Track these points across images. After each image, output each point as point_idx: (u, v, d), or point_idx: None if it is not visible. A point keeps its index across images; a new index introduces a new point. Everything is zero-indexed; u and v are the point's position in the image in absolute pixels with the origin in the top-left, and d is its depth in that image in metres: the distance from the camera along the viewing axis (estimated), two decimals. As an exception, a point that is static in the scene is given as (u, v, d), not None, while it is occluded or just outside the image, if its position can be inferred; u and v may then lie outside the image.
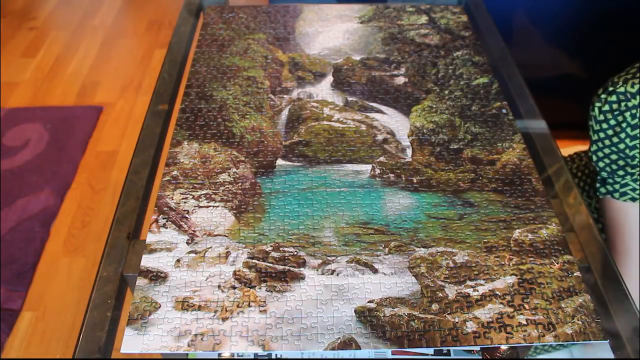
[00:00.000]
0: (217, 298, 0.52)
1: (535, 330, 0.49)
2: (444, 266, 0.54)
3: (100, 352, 0.49)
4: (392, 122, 0.72)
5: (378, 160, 0.67)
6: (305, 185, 0.64)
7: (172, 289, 0.53)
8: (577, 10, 1.43)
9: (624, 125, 0.71)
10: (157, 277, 0.54)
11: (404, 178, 0.65)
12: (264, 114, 0.73)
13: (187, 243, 0.57)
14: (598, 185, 0.78)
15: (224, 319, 0.50)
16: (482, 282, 0.53)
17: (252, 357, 0.52)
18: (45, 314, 1.35)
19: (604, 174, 0.77)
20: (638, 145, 0.71)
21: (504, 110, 0.73)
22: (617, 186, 0.76)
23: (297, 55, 0.84)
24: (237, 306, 0.51)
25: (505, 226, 0.59)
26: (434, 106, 0.74)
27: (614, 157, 0.74)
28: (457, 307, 0.51)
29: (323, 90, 0.78)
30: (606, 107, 0.72)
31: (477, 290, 0.52)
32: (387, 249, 0.56)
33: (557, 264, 0.55)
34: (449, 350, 0.52)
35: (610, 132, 0.73)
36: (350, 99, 0.76)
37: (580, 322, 0.50)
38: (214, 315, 0.50)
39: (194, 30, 0.90)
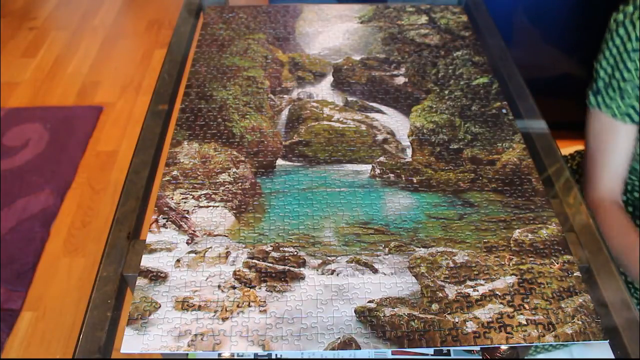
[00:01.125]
0: (217, 298, 0.52)
1: (535, 330, 0.49)
2: (444, 266, 0.54)
3: (100, 352, 0.49)
4: (392, 122, 0.72)
5: (378, 160, 0.67)
6: (305, 185, 0.64)
7: (172, 289, 0.53)
8: (577, 10, 1.43)
9: (632, 36, 0.73)
10: (157, 277, 0.54)
11: (404, 178, 0.65)
12: (264, 114, 0.73)
13: (187, 243, 0.57)
14: (590, 94, 0.80)
15: (224, 319, 0.50)
16: (482, 282, 0.53)
17: (252, 357, 0.52)
18: (45, 314, 1.35)
19: (600, 84, 0.79)
20: (637, 59, 0.73)
21: (504, 110, 0.73)
22: (607, 100, 0.78)
23: (297, 55, 0.84)
24: (237, 306, 0.51)
25: (505, 226, 0.59)
26: (434, 106, 0.74)
27: (616, 73, 0.77)
28: (457, 307, 0.51)
29: (323, 90, 0.78)
30: (620, 17, 0.75)
31: (477, 290, 0.52)
32: (387, 249, 0.56)
33: (557, 264, 0.55)
34: (449, 350, 0.52)
35: (618, 41, 0.75)
36: (350, 99, 0.76)
37: (580, 322, 0.50)
38: (214, 315, 0.50)
39: (194, 30, 0.90)
